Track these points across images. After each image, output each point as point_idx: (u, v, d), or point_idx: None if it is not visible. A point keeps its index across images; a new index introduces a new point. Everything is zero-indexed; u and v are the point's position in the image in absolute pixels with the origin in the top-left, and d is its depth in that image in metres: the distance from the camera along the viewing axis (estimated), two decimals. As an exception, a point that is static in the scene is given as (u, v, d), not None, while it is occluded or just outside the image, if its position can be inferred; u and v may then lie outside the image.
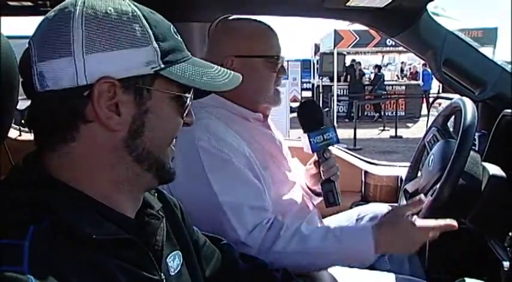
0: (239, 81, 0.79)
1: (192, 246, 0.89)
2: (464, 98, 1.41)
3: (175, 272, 0.79)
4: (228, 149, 1.22)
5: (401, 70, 17.12)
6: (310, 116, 1.45)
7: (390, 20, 1.70)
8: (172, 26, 0.73)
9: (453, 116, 1.57)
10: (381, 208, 1.69)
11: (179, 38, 0.73)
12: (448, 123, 1.59)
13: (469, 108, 1.33)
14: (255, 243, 1.17)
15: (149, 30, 0.67)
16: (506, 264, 1.21)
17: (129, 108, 0.67)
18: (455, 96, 1.61)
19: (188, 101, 0.74)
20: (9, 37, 0.75)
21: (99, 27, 0.64)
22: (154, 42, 0.67)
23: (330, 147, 1.43)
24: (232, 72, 0.79)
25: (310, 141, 1.40)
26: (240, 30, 1.37)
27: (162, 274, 0.73)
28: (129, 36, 0.66)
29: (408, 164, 1.71)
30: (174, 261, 0.79)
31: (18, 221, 0.60)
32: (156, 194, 0.84)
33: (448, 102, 1.58)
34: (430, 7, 1.63)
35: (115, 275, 0.63)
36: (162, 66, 0.68)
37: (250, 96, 1.36)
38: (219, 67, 0.78)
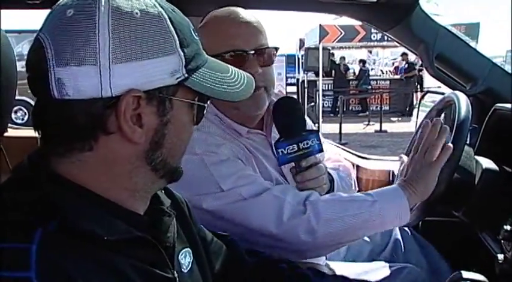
0: (253, 86, 0.76)
1: (200, 243, 0.88)
2: (458, 92, 1.42)
3: (187, 269, 0.78)
4: (222, 152, 1.19)
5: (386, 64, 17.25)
6: (284, 120, 1.23)
7: (383, 14, 1.70)
8: (191, 23, 0.70)
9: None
10: None
11: (197, 38, 0.71)
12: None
13: (463, 103, 1.34)
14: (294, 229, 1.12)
15: (175, 36, 0.65)
16: (500, 256, 1.22)
17: (152, 120, 0.65)
18: (446, 91, 1.63)
19: (205, 110, 0.73)
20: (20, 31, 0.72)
21: (126, 34, 0.60)
22: (179, 49, 0.65)
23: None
24: (245, 74, 0.77)
25: (277, 152, 1.21)
26: (203, 27, 1.27)
27: (175, 272, 0.72)
28: (156, 44, 0.63)
29: (395, 158, 1.72)
30: (185, 259, 0.78)
31: (25, 223, 0.57)
32: (163, 191, 0.82)
33: (441, 96, 1.60)
34: (422, 1, 1.64)
35: (128, 274, 0.62)
36: (186, 75, 0.66)
37: (227, 105, 1.24)
38: (232, 68, 0.76)
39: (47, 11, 0.65)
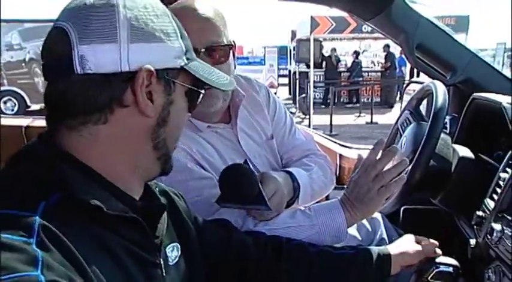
0: (234, 83, 0.87)
1: (192, 238, 0.91)
2: (436, 82, 1.44)
3: (173, 262, 0.81)
4: (177, 152, 1.15)
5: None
6: (231, 192, 1.08)
7: (364, 4, 1.71)
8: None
9: (426, 100, 1.61)
10: None
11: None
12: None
13: (440, 92, 1.36)
14: None
15: (176, 28, 0.74)
16: (472, 241, 1.25)
17: (160, 98, 0.72)
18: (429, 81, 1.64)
19: (201, 97, 0.80)
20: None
21: (141, 19, 0.69)
22: (180, 39, 0.75)
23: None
24: (226, 75, 0.85)
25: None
26: None
27: (161, 260, 0.76)
28: (165, 31, 0.72)
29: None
30: (172, 252, 0.82)
31: (30, 194, 0.61)
32: (157, 188, 0.86)
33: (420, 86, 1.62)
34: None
35: (119, 254, 0.66)
36: (186, 62, 0.75)
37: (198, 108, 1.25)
38: (216, 70, 0.84)
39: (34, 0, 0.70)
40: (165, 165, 0.79)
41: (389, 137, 1.71)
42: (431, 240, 1.16)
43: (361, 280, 1.06)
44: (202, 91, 0.79)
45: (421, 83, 1.82)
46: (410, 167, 1.32)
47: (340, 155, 2.16)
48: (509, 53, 16.10)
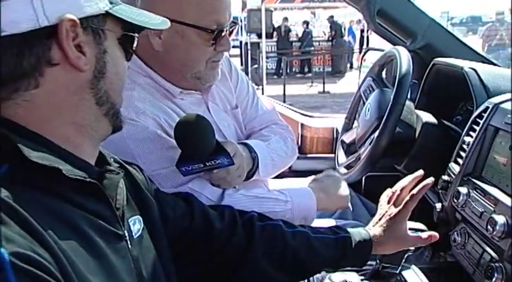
0: (168, 22, 0.79)
1: (155, 210, 0.85)
2: (399, 48, 1.43)
3: (137, 235, 0.75)
4: (146, 120, 1.12)
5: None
6: (189, 142, 1.07)
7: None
8: None
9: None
10: None
11: None
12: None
13: (404, 57, 1.35)
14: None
15: None
16: (438, 205, 1.28)
17: (92, 48, 0.66)
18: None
19: (135, 41, 0.74)
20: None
21: None
22: None
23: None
24: (160, 17, 0.77)
25: (179, 170, 1.08)
26: None
27: (125, 231, 0.71)
28: None
29: (338, 115, 1.73)
30: (134, 225, 0.76)
31: None
32: (112, 159, 0.79)
33: (380, 53, 1.61)
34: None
35: (81, 226, 0.61)
36: (110, 5, 0.68)
37: (176, 69, 1.18)
38: (148, 12, 0.76)
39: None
40: (115, 121, 0.73)
41: (352, 104, 1.70)
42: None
43: (339, 266, 1.02)
44: (136, 35, 0.74)
45: (380, 50, 1.81)
46: (376, 134, 1.31)
47: (302, 124, 2.14)
48: (452, 22, 16.64)
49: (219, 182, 1.17)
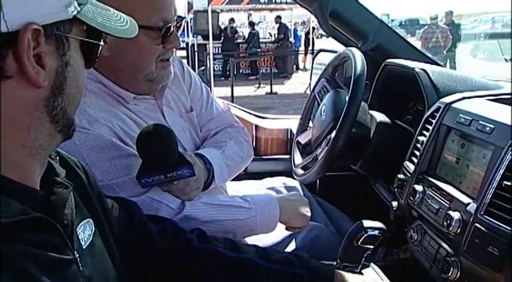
0: (137, 27, 0.72)
1: (101, 212, 0.80)
2: (353, 49, 1.45)
3: (87, 243, 0.70)
4: (100, 128, 1.08)
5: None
6: (151, 153, 1.05)
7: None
8: None
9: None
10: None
11: None
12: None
13: (358, 58, 1.37)
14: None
15: None
16: (394, 203, 1.30)
17: (53, 60, 0.58)
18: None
19: (100, 49, 0.67)
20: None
21: None
22: None
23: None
24: (124, 15, 0.71)
25: (139, 182, 1.06)
26: None
27: (75, 252, 0.64)
28: None
29: (292, 116, 1.73)
30: (85, 232, 0.70)
31: None
32: (57, 158, 0.72)
33: (334, 55, 1.62)
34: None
35: (22, 265, 0.53)
36: (78, 9, 0.60)
37: (127, 72, 1.15)
38: (114, 10, 0.69)
39: None
40: (68, 133, 0.66)
41: (306, 105, 1.70)
42: None
43: None
44: (102, 43, 0.66)
45: (333, 51, 1.83)
46: (333, 135, 1.32)
47: (256, 126, 2.13)
48: (392, 24, 17.30)
49: (178, 193, 1.15)
